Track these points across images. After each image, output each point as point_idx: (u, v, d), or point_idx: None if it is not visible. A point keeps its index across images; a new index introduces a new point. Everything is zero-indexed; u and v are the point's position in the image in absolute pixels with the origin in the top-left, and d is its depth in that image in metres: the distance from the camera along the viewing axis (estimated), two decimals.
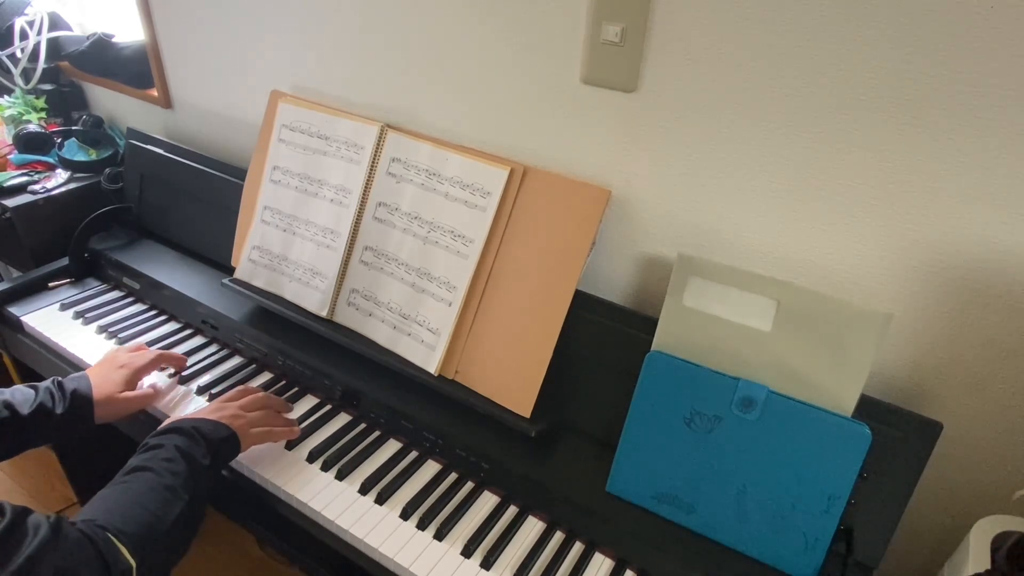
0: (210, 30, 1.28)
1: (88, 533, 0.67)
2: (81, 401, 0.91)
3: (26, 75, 1.54)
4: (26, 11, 1.53)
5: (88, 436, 0.94)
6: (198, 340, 1.16)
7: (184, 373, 1.06)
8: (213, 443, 0.83)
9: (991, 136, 0.69)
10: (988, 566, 0.69)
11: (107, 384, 0.95)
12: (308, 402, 1.04)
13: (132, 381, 0.98)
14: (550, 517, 0.88)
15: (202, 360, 1.10)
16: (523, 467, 0.90)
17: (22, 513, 0.64)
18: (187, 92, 1.42)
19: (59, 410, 0.89)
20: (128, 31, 1.51)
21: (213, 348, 1.14)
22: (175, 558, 0.77)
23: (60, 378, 0.93)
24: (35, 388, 0.89)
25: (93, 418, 0.92)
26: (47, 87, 1.57)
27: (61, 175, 1.39)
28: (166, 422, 0.87)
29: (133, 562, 0.68)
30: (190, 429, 0.83)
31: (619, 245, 0.98)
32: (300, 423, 0.99)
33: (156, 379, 1.05)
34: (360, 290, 1.04)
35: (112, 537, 0.68)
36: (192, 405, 1.01)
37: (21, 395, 0.88)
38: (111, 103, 1.61)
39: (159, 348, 1.10)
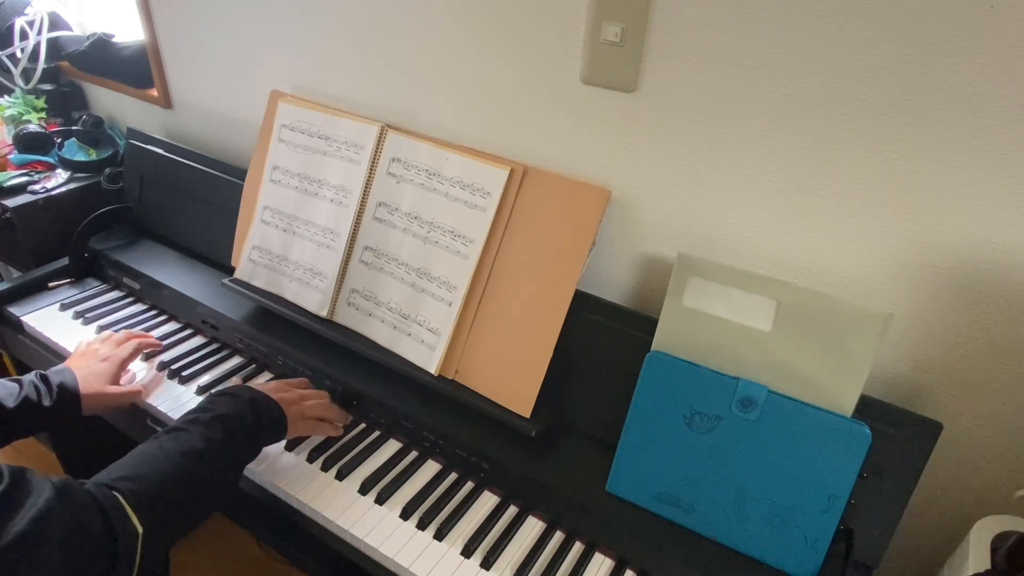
0: (210, 30, 1.28)
1: (96, 494, 0.66)
2: (68, 395, 0.92)
3: (26, 75, 1.54)
4: (26, 11, 1.53)
5: (83, 431, 0.94)
6: (198, 340, 1.16)
7: (184, 373, 1.06)
8: (263, 420, 0.85)
9: (991, 136, 0.69)
10: (988, 566, 0.69)
11: (93, 377, 0.96)
12: None
13: (117, 374, 0.99)
14: (550, 517, 0.88)
15: (202, 360, 1.10)
16: (523, 467, 0.90)
17: (20, 472, 0.62)
18: (187, 92, 1.42)
19: (46, 403, 0.89)
20: (128, 31, 1.51)
21: (213, 348, 1.14)
22: (189, 525, 0.76)
23: (43, 371, 0.93)
24: (19, 382, 0.90)
25: (80, 410, 0.94)
26: (47, 87, 1.57)
27: (61, 175, 1.39)
28: (231, 386, 0.90)
29: (140, 527, 0.67)
30: (247, 399, 0.85)
31: (619, 245, 0.98)
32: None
33: (144, 372, 1.06)
34: (360, 290, 1.04)
35: (121, 498, 0.67)
36: (192, 405, 1.01)
37: (4, 389, 0.88)
38: (111, 103, 1.61)
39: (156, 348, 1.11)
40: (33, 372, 0.93)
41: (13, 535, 0.57)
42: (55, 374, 0.93)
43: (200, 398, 1.03)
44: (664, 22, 0.81)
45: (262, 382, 0.97)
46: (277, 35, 1.19)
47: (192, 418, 0.80)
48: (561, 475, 0.89)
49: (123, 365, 1.01)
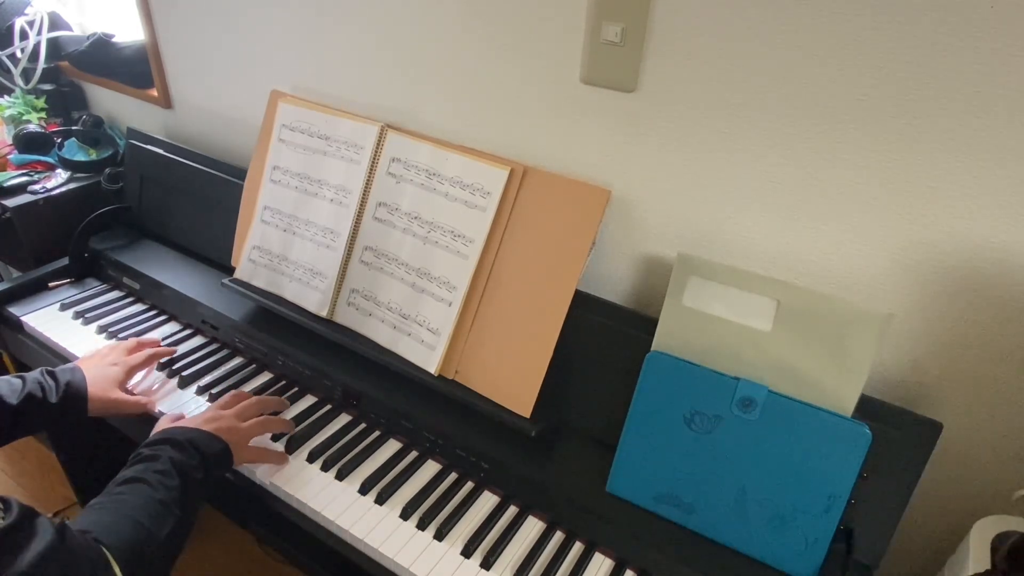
0: (210, 30, 1.28)
1: (85, 545, 0.66)
2: (75, 394, 0.92)
3: (26, 75, 1.54)
4: (26, 11, 1.53)
5: (84, 432, 0.93)
6: (198, 340, 1.16)
7: (184, 373, 1.06)
8: (207, 457, 0.83)
9: (991, 136, 0.69)
10: (988, 566, 0.69)
11: (101, 379, 0.95)
12: (308, 402, 1.04)
13: (126, 379, 0.98)
14: (550, 517, 0.88)
15: (202, 360, 1.10)
16: (523, 467, 0.90)
17: (30, 512, 0.63)
18: (187, 92, 1.42)
19: (52, 399, 0.89)
20: (128, 31, 1.51)
21: (213, 348, 1.14)
22: (164, 573, 0.76)
23: (51, 368, 0.93)
24: (23, 378, 0.89)
25: (87, 411, 0.93)
26: (47, 87, 1.57)
27: (61, 175, 1.39)
28: (158, 428, 0.87)
29: None
30: (184, 441, 0.82)
31: (619, 245, 0.98)
32: (300, 423, 0.99)
33: (153, 378, 1.06)
34: (360, 290, 1.04)
35: (107, 553, 0.67)
36: (192, 405, 1.01)
37: (8, 386, 0.88)
38: (111, 103, 1.61)
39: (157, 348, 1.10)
40: (39, 369, 0.92)
41: (12, 574, 0.58)
42: (63, 372, 0.93)
43: (201, 398, 1.03)
44: (664, 22, 0.81)
45: (195, 414, 0.92)
46: (277, 35, 1.19)
47: (144, 467, 0.78)
48: (561, 475, 0.90)
49: (132, 371, 1.00)
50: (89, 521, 0.71)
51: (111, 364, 0.98)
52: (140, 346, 1.06)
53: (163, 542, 0.73)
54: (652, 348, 0.84)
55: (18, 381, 0.89)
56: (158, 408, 1.00)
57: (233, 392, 0.99)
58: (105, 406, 0.95)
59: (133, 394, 1.00)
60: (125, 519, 0.72)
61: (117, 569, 0.67)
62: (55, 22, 1.55)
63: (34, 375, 0.91)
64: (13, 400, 0.87)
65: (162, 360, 1.08)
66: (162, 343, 1.11)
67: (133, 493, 0.75)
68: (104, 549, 0.68)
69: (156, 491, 0.75)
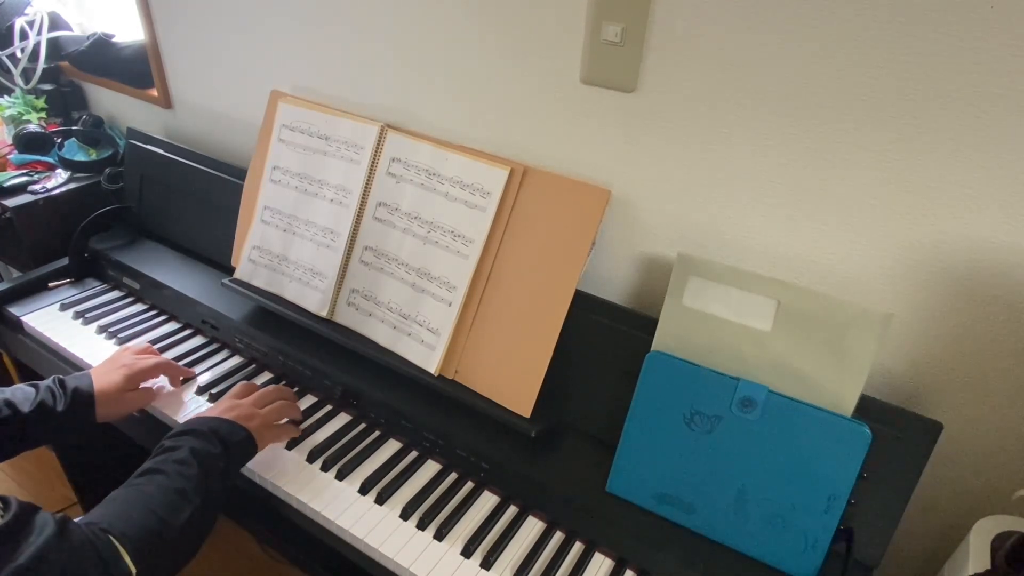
0: (210, 30, 1.28)
1: (90, 536, 0.67)
2: (82, 399, 0.91)
3: (26, 75, 1.54)
4: (26, 11, 1.53)
5: (89, 435, 0.93)
6: (198, 340, 1.16)
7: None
8: (230, 445, 0.83)
9: (991, 136, 0.69)
10: (988, 566, 0.69)
11: (107, 384, 0.94)
12: (308, 402, 1.04)
13: (133, 382, 0.97)
14: (550, 517, 0.88)
15: (202, 360, 1.10)
16: (523, 467, 0.90)
17: (29, 508, 0.63)
18: (187, 92, 1.42)
19: (60, 408, 0.88)
20: (128, 31, 1.51)
21: (213, 348, 1.14)
22: (182, 562, 0.76)
23: (62, 376, 0.92)
24: (36, 386, 0.89)
25: (94, 416, 0.92)
26: (47, 87, 1.57)
27: (61, 175, 1.39)
28: (183, 422, 0.87)
29: (134, 568, 0.68)
30: (207, 431, 0.83)
31: (619, 245, 0.98)
32: (300, 423, 0.99)
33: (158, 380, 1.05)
34: (360, 290, 1.04)
35: (115, 541, 0.68)
36: (192, 405, 1.01)
37: (22, 393, 0.87)
38: (111, 103, 1.61)
39: (159, 348, 1.10)
40: (51, 377, 0.92)
41: (11, 570, 0.58)
42: (72, 379, 0.92)
43: (201, 398, 1.03)
44: (664, 22, 0.81)
45: (212, 405, 0.93)
46: (277, 35, 1.19)
47: (164, 458, 0.79)
48: (561, 475, 0.89)
49: (141, 375, 0.98)
50: (99, 513, 0.71)
51: (119, 367, 0.97)
52: (166, 363, 1.03)
53: (179, 531, 0.73)
54: (652, 348, 0.84)
55: (31, 389, 0.89)
56: (159, 405, 1.00)
57: (243, 383, 0.99)
58: (112, 410, 0.94)
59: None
60: (136, 508, 0.72)
61: (126, 557, 0.67)
62: (55, 22, 1.55)
63: (46, 383, 0.90)
64: (26, 408, 0.86)
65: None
66: (160, 350, 1.09)
67: (149, 483, 0.76)
68: (111, 538, 0.68)
69: (172, 480, 0.76)
